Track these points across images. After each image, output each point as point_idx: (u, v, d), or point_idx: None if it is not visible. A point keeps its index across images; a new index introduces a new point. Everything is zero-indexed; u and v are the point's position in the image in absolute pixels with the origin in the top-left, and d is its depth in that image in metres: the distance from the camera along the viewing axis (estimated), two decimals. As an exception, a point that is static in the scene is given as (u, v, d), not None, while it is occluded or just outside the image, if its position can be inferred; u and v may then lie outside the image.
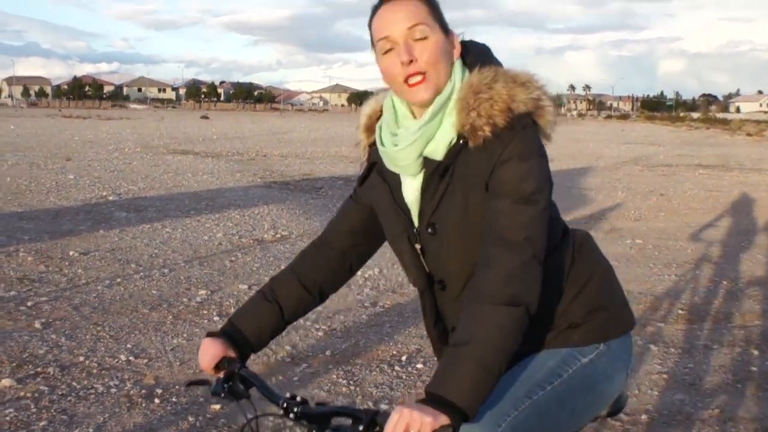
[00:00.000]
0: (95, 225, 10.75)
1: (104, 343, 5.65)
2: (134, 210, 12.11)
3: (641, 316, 6.68)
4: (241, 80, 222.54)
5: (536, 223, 1.95)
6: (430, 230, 2.12)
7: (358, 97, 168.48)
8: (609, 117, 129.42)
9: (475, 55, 2.13)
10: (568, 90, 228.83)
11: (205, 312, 6.55)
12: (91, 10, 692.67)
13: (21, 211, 11.83)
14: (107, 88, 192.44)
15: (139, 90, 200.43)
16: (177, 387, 4.89)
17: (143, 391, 4.81)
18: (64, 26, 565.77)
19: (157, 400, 4.71)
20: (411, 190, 2.14)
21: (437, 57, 2.05)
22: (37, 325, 6.02)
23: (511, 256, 1.91)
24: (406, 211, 2.17)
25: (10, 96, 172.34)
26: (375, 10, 2.12)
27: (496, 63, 2.14)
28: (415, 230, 2.16)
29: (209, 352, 2.16)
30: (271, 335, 2.31)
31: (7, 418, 4.39)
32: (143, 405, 4.65)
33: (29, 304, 6.64)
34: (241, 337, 2.24)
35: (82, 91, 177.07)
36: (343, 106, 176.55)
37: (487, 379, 1.82)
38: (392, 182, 2.19)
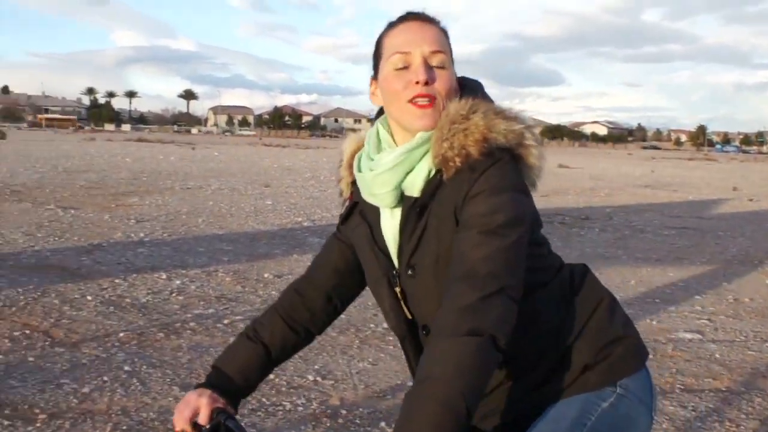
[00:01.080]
0: (289, 249, 11.14)
1: (293, 363, 5.83)
2: (327, 236, 12.38)
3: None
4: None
5: (503, 257, 1.78)
6: (409, 272, 1.97)
7: (550, 131, 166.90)
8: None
9: (467, 91, 1.98)
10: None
11: (390, 338, 6.65)
12: (294, 44, 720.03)
13: (222, 233, 12.39)
14: (305, 118, 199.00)
15: (336, 120, 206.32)
16: (361, 409, 5.00)
17: (328, 411, 4.95)
18: (268, 59, 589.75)
19: (341, 420, 4.84)
20: (389, 227, 2.01)
21: (450, 89, 1.93)
22: (232, 341, 6.27)
23: (470, 290, 1.74)
24: (385, 251, 2.04)
25: (216, 124, 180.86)
26: (393, 25, 2.01)
27: (482, 95, 2.01)
28: (394, 272, 2.03)
29: (189, 407, 2.06)
30: (259, 377, 2.19)
31: (202, 428, 4.61)
32: (328, 424, 4.78)
33: (225, 321, 6.95)
34: (228, 382, 2.14)
35: (282, 121, 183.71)
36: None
37: (450, 417, 1.63)
38: (372, 221, 2.07)
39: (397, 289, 2.03)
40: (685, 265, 11.18)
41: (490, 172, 1.82)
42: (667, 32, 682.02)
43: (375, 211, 2.05)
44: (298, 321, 2.24)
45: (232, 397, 2.12)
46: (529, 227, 1.86)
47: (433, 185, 1.90)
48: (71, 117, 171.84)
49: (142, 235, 11.76)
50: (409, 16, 1.99)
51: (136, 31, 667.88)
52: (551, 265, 2.05)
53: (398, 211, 1.98)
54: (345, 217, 2.19)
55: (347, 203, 2.18)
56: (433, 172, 1.90)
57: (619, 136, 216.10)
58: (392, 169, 1.93)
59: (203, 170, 28.02)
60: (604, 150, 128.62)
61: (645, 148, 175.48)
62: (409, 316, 2.05)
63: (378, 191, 1.96)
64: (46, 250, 10.18)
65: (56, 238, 11.08)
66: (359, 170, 2.04)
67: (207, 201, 17.02)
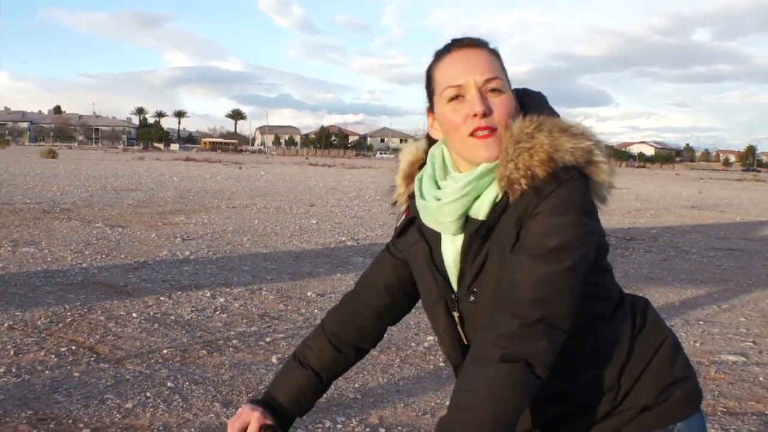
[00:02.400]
0: (333, 268, 11.19)
1: (334, 382, 5.86)
2: (370, 255, 12.44)
3: None
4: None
5: (552, 284, 1.69)
6: (471, 298, 1.89)
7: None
8: None
9: (528, 105, 1.91)
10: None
11: (431, 357, 6.68)
12: (341, 65, 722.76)
13: (266, 252, 12.49)
14: (352, 138, 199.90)
15: (382, 140, 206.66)
16: (400, 428, 5.02)
17: (367, 429, 4.97)
18: (316, 79, 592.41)
19: (379, 439, 4.86)
20: (450, 251, 1.92)
21: (510, 113, 1.85)
22: (274, 359, 6.35)
23: (511, 317, 1.68)
24: (444, 274, 1.96)
25: (263, 144, 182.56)
26: (441, 55, 1.94)
27: (548, 111, 1.91)
28: (453, 296, 1.95)
29: (240, 419, 2.07)
30: (313, 399, 2.21)
31: (242, 445, 4.65)
32: (367, 442, 4.81)
33: (267, 339, 7.01)
34: (281, 408, 2.14)
35: (329, 141, 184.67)
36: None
37: None
38: (432, 240, 1.99)
39: (455, 314, 1.96)
40: (731, 287, 11.06)
41: (556, 192, 1.75)
42: (717, 52, 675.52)
43: (435, 231, 1.97)
44: (346, 341, 2.21)
45: (283, 420, 2.14)
46: (588, 252, 1.77)
47: (500, 209, 1.84)
48: (233, 141, 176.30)
49: (187, 253, 11.90)
50: (456, 44, 1.92)
51: (186, 52, 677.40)
52: (613, 296, 1.96)
53: (460, 235, 1.91)
54: (401, 231, 2.12)
55: (403, 216, 2.12)
56: (500, 196, 1.84)
57: (667, 156, 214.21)
58: (458, 200, 1.86)
59: (249, 189, 28.26)
60: (652, 170, 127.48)
61: (745, 170, 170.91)
62: (466, 342, 1.99)
63: (442, 220, 1.90)
64: (94, 267, 10.33)
65: (104, 256, 11.24)
66: (422, 197, 1.97)
67: (252, 220, 17.17)
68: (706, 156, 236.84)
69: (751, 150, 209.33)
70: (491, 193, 1.85)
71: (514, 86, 1.95)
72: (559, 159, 1.77)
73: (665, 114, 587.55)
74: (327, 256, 12.37)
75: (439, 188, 1.94)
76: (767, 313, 9.25)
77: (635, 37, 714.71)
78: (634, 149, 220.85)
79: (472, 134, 1.84)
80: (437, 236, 1.97)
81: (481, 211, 1.85)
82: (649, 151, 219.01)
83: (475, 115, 1.82)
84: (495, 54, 1.92)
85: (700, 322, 8.50)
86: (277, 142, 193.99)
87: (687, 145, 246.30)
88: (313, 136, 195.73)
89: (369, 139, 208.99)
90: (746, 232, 19.62)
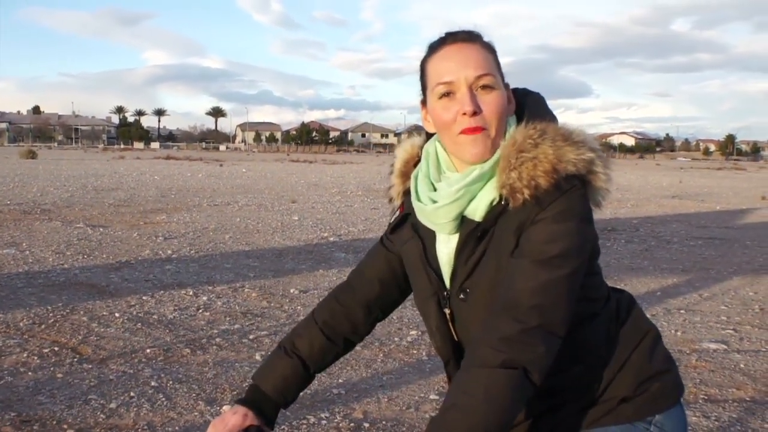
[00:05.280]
0: (315, 265, 11.19)
1: (318, 377, 5.86)
2: (353, 251, 12.49)
3: None
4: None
5: (552, 291, 1.72)
6: (461, 296, 1.91)
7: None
8: None
9: (530, 109, 1.92)
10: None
11: (414, 351, 6.69)
12: (322, 60, 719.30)
13: (248, 249, 12.47)
14: (333, 134, 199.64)
15: (363, 135, 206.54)
16: (384, 422, 5.04)
17: (352, 424, 4.98)
18: (296, 75, 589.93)
19: (364, 434, 4.88)
20: (445, 250, 1.94)
21: (501, 112, 1.85)
22: (257, 357, 6.35)
23: (511, 321, 1.71)
24: (437, 271, 1.97)
25: (243, 141, 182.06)
26: (434, 49, 1.93)
27: (549, 116, 1.92)
28: (445, 293, 1.97)
29: (223, 422, 2.07)
30: (297, 391, 2.19)
31: (227, 442, 4.65)
32: (351, 437, 4.83)
33: (251, 337, 7.01)
34: (265, 400, 2.14)
35: (310, 137, 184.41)
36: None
37: None
38: (426, 238, 2.01)
39: (447, 311, 1.98)
40: (712, 275, 11.14)
41: (559, 200, 1.77)
42: (697, 41, 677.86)
43: (430, 229, 1.99)
44: (338, 332, 2.21)
45: (269, 414, 2.13)
46: (586, 259, 1.81)
47: (497, 212, 1.84)
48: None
49: (169, 252, 11.87)
50: (449, 38, 1.92)
51: (166, 50, 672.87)
52: (602, 296, 1.99)
53: (456, 234, 1.92)
54: (394, 227, 2.13)
55: (397, 213, 2.13)
56: (497, 200, 1.84)
57: (647, 146, 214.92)
58: (453, 203, 1.87)
59: (231, 187, 28.22)
60: (632, 161, 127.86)
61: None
62: (456, 338, 2.01)
63: (437, 221, 1.91)
64: (75, 268, 10.30)
65: (85, 256, 11.21)
66: (418, 199, 1.97)
67: (234, 217, 17.14)
68: (686, 146, 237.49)
69: (730, 139, 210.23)
70: (488, 196, 1.85)
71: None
72: (562, 169, 1.78)
73: (646, 104, 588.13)
74: (309, 252, 12.36)
75: (434, 189, 1.95)
76: (747, 301, 9.32)
77: (616, 28, 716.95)
78: (615, 140, 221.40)
79: (462, 132, 1.85)
80: (431, 233, 1.99)
81: (477, 212, 1.86)
82: (630, 142, 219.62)
83: (464, 114, 1.83)
84: (489, 48, 1.92)
85: (682, 311, 8.56)
86: (258, 139, 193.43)
87: (667, 135, 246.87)
88: (294, 132, 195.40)
89: (350, 134, 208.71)
90: (726, 220, 19.75)
